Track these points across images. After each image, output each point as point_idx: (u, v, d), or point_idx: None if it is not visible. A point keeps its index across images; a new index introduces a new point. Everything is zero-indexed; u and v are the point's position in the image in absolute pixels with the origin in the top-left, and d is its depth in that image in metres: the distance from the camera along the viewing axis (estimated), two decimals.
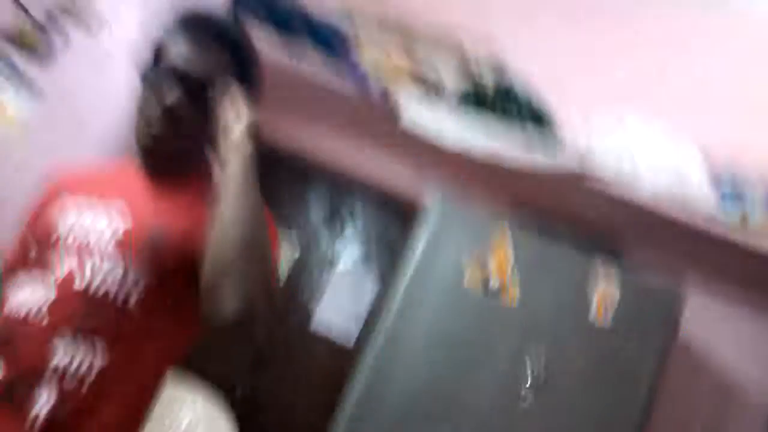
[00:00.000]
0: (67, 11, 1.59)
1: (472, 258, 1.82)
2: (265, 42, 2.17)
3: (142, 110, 1.00)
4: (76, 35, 1.65)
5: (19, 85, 1.71)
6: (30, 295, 0.91)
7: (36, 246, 0.97)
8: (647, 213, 1.94)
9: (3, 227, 1.23)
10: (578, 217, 2.16)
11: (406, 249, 1.88)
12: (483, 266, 1.81)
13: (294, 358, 2.35)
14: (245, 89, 1.00)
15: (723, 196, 2.07)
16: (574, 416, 1.66)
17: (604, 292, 1.76)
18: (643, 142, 2.03)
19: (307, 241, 2.54)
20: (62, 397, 0.86)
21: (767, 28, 2.12)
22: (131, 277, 0.91)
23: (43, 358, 0.86)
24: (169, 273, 0.92)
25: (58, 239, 0.95)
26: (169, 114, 0.97)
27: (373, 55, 2.06)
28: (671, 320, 1.73)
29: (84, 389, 0.86)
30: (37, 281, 0.93)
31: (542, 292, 1.78)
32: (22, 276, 0.96)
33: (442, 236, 1.86)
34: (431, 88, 2.08)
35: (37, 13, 1.63)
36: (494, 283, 1.79)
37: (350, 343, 2.36)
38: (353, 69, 2.06)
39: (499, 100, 2.04)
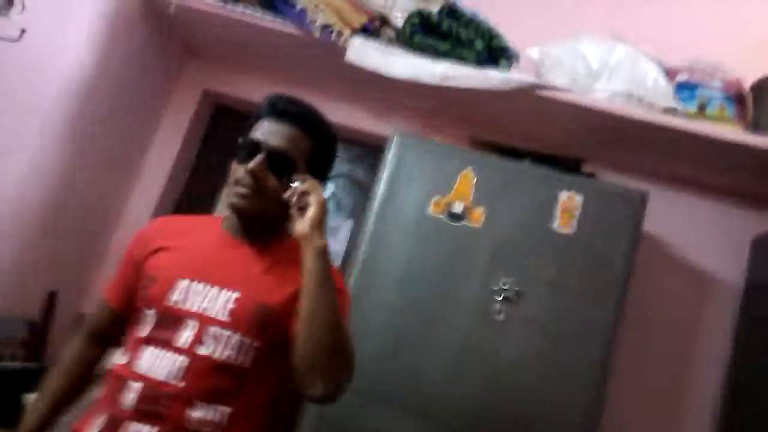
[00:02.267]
0: None
1: (435, 187, 1.85)
2: None
3: (231, 175, 1.17)
4: None
5: None
6: (159, 360, 1.08)
7: (154, 310, 1.13)
8: (606, 116, 1.93)
9: None
10: (537, 132, 2.17)
11: (373, 186, 1.90)
12: (446, 193, 1.84)
13: None
14: (318, 172, 1.18)
15: (679, 87, 2.06)
16: (549, 323, 1.72)
17: (567, 202, 1.80)
18: (595, 47, 2.01)
19: None
20: None
21: None
22: (246, 341, 1.10)
23: (185, 413, 1.06)
24: (272, 337, 1.12)
25: (176, 305, 1.11)
26: (253, 175, 1.13)
27: None
28: (634, 219, 1.77)
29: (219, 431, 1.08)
30: (160, 348, 1.09)
31: (506, 210, 1.81)
32: (141, 337, 1.13)
33: (404, 171, 1.88)
34: (383, 35, 2.03)
35: None
36: (458, 208, 1.83)
37: None
38: (290, 7, 2.00)
39: (455, 43, 1.98)
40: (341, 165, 2.57)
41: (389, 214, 1.86)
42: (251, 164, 1.13)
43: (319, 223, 1.08)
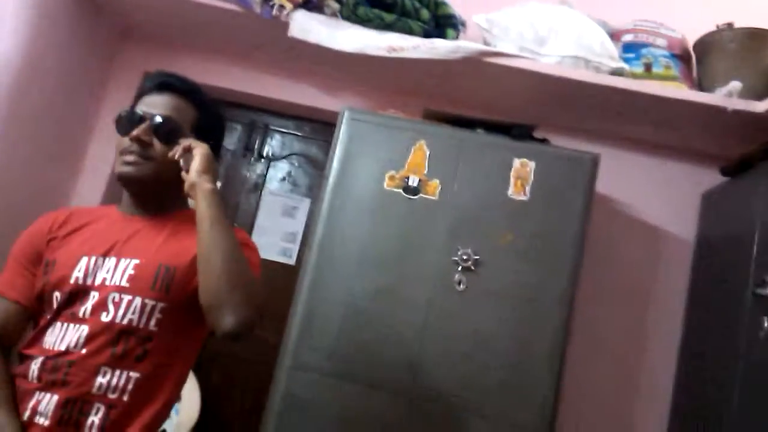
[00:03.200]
0: None
1: (389, 162, 1.83)
2: None
3: (117, 148, 1.19)
4: None
5: None
6: (64, 333, 1.10)
7: (58, 292, 1.13)
8: (554, 81, 1.93)
9: None
10: (489, 100, 2.16)
11: (326, 163, 1.87)
12: (400, 167, 1.82)
13: None
14: (206, 140, 1.19)
15: (625, 48, 2.08)
16: (509, 290, 1.74)
17: (520, 169, 1.80)
18: (541, 12, 2.00)
19: (228, 169, 2.51)
20: (109, 407, 1.07)
21: None
22: (148, 303, 1.12)
23: (89, 380, 1.07)
24: (179, 297, 1.13)
25: (77, 282, 1.13)
26: (137, 141, 1.16)
27: None
28: (587, 182, 1.78)
29: (126, 398, 1.09)
30: (65, 322, 1.11)
31: (462, 181, 1.81)
32: (48, 318, 1.13)
33: (357, 146, 1.85)
34: (328, 9, 1.97)
35: None
36: (413, 181, 1.81)
37: (292, 261, 2.40)
38: None
39: (401, 15, 1.94)
40: (295, 143, 2.53)
41: (344, 191, 1.83)
42: (135, 131, 1.16)
43: (206, 170, 1.13)
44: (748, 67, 1.94)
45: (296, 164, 2.52)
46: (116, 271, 1.13)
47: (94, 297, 1.11)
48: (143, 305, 1.12)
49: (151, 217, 1.23)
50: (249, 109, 2.53)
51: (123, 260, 1.15)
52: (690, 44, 2.11)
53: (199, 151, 1.15)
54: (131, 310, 1.11)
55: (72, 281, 1.13)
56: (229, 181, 2.49)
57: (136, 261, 1.14)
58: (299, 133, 2.53)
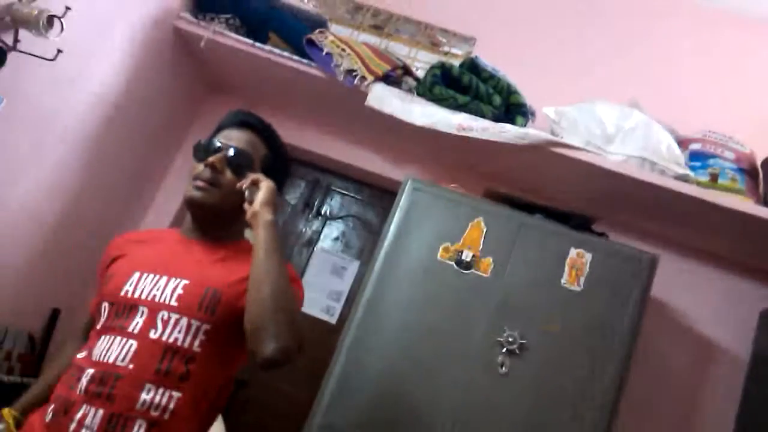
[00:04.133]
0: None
1: (445, 234, 1.85)
2: (231, 31, 2.18)
3: (190, 174, 1.26)
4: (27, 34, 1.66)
5: None
6: (111, 345, 1.12)
7: (108, 302, 1.18)
8: (618, 178, 1.96)
9: None
10: (551, 188, 2.20)
11: (383, 228, 1.91)
12: (456, 241, 1.84)
13: None
14: (272, 178, 1.25)
15: (692, 156, 2.09)
16: (552, 380, 1.70)
17: (576, 259, 1.80)
18: (611, 111, 2.05)
19: (285, 222, 2.58)
20: (151, 425, 1.08)
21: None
22: (194, 324, 1.14)
23: (135, 395, 1.08)
24: (224, 320, 1.15)
25: (126, 295, 1.17)
26: (211, 167, 1.22)
27: (339, 36, 2.07)
28: (643, 282, 1.76)
29: (167, 416, 1.09)
30: (114, 335, 1.13)
31: (515, 263, 1.81)
32: (98, 329, 1.17)
33: (415, 215, 1.89)
34: (398, 68, 2.09)
35: None
36: (467, 256, 1.83)
37: (334, 319, 2.41)
38: (317, 51, 2.07)
39: (474, 97, 2.04)
40: (353, 206, 2.60)
41: (398, 256, 1.86)
42: (211, 158, 1.23)
43: (269, 203, 1.19)
44: None
45: (351, 226, 2.58)
46: (166, 289, 1.16)
47: (143, 313, 1.14)
48: (189, 325, 1.14)
49: (208, 243, 1.27)
50: (315, 167, 2.63)
51: (173, 279, 1.17)
52: (758, 160, 2.11)
53: (266, 184, 1.21)
54: (178, 328, 1.13)
55: (122, 294, 1.17)
56: (285, 234, 2.57)
57: (185, 281, 1.17)
58: (358, 197, 2.61)
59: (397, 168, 2.42)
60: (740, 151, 2.10)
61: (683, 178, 1.96)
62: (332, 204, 2.62)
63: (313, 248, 2.55)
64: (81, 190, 2.12)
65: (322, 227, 2.58)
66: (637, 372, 1.92)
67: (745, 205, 1.91)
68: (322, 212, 2.60)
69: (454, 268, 1.82)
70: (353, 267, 2.51)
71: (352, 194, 2.62)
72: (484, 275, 1.81)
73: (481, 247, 1.84)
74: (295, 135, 2.50)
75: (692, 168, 2.04)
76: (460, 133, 1.96)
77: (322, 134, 2.49)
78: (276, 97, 2.47)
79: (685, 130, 2.18)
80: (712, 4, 2.42)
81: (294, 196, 2.63)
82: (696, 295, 2.17)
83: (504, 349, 1.73)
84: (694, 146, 2.11)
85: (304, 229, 2.58)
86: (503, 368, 1.72)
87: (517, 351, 1.73)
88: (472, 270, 1.82)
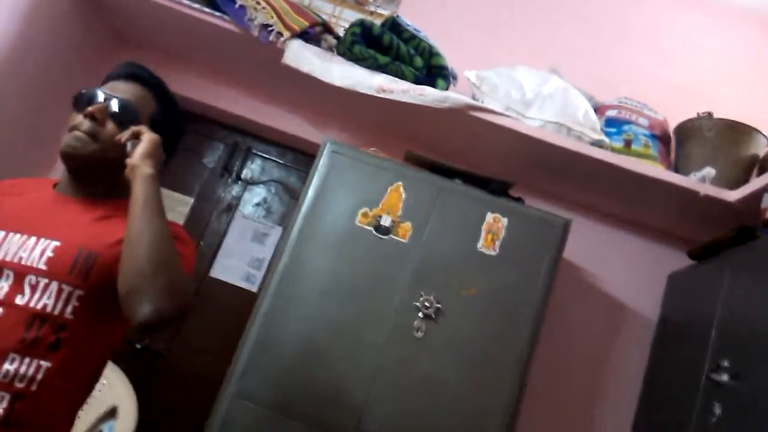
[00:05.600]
0: None
1: (364, 199, 1.82)
2: None
3: (73, 126, 1.14)
4: None
5: None
6: None
7: None
8: (536, 144, 1.96)
9: None
10: (470, 152, 2.19)
11: (301, 193, 1.86)
12: (375, 206, 1.81)
13: (197, 305, 2.32)
14: (161, 134, 1.16)
15: (608, 123, 2.12)
16: (466, 343, 1.71)
17: (492, 223, 1.80)
18: (530, 76, 2.04)
19: (204, 187, 2.48)
20: (15, 397, 1.00)
21: None
22: (66, 289, 1.05)
23: None
24: (99, 285, 1.06)
25: None
26: (91, 117, 1.12)
27: None
28: (556, 246, 1.79)
29: (34, 386, 1.01)
30: None
31: (433, 227, 1.80)
32: None
33: (334, 179, 1.85)
34: (317, 24, 2.00)
35: None
36: (386, 221, 1.80)
37: (255, 287, 2.35)
38: (230, 3, 1.95)
39: (394, 58, 1.98)
40: (274, 170, 2.52)
41: (315, 222, 1.82)
42: (91, 108, 1.13)
43: (150, 155, 1.10)
44: (724, 156, 1.99)
45: (273, 191, 2.50)
46: (34, 250, 1.06)
47: (8, 276, 1.04)
48: (59, 290, 1.05)
49: (87, 201, 1.16)
50: (233, 130, 2.53)
51: (43, 240, 1.07)
52: (671, 127, 2.17)
53: (148, 136, 1.12)
54: (47, 294, 1.04)
55: None
56: (204, 199, 2.46)
57: (56, 243, 1.07)
58: (280, 160, 2.53)
59: (319, 130, 2.35)
60: (654, 118, 2.15)
61: (598, 144, 1.99)
62: (252, 168, 2.53)
63: (233, 214, 2.46)
64: None
65: (243, 192, 2.49)
66: (549, 332, 1.96)
67: (656, 170, 1.96)
68: (242, 177, 2.51)
69: (373, 234, 1.80)
70: (275, 233, 2.44)
71: (273, 158, 2.53)
72: (402, 240, 1.79)
73: (400, 212, 1.81)
74: (211, 94, 2.39)
75: (607, 134, 2.07)
76: (379, 95, 1.91)
77: (240, 94, 2.38)
78: (189, 52, 2.34)
79: (603, 97, 2.21)
80: None
81: (212, 159, 2.52)
82: (607, 258, 2.24)
83: (420, 314, 1.73)
84: (610, 113, 2.14)
85: (223, 195, 2.48)
86: (419, 332, 1.72)
87: (432, 315, 1.73)
88: (391, 235, 1.80)
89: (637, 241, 2.26)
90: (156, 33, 2.29)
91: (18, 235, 1.08)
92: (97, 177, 1.17)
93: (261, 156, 2.54)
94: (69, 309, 1.05)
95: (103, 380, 1.91)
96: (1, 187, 1.22)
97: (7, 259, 1.06)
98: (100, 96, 1.16)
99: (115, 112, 1.15)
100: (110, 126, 1.14)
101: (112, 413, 1.91)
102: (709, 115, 2.04)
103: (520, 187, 2.00)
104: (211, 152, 2.52)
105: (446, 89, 2.03)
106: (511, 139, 1.98)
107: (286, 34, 1.94)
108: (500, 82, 2.02)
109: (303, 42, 1.97)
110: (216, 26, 2.01)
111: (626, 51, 2.40)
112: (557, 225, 1.80)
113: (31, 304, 1.03)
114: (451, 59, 2.09)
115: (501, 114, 1.96)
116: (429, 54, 2.02)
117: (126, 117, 1.15)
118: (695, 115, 2.07)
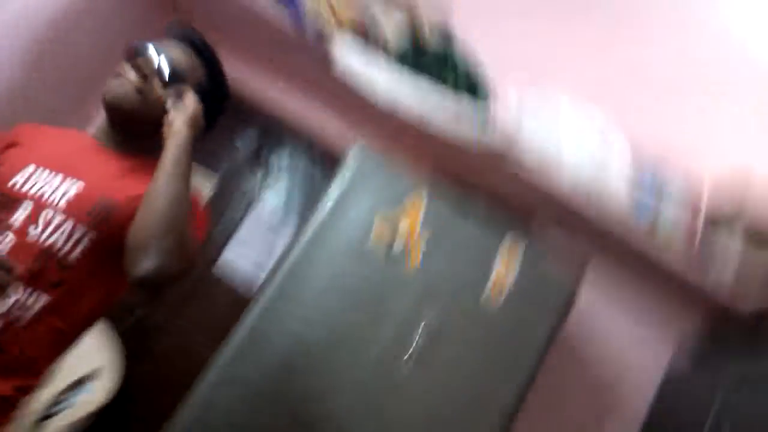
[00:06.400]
0: None
1: (383, 216, 1.78)
2: None
3: (118, 73, 1.14)
4: None
5: None
6: None
7: None
8: (563, 202, 1.94)
9: None
10: (495, 194, 2.16)
11: (322, 196, 1.81)
12: (392, 226, 1.78)
13: (193, 298, 2.31)
14: (206, 105, 1.17)
15: (638, 203, 2.08)
16: (447, 392, 1.68)
17: (502, 273, 1.77)
18: (571, 131, 2.02)
19: (228, 179, 2.46)
20: (6, 323, 1.01)
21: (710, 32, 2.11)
22: (78, 230, 1.05)
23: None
24: (112, 234, 1.06)
25: (14, 187, 1.07)
26: (137, 69, 1.12)
27: None
28: (560, 313, 1.75)
29: (27, 317, 1.02)
30: None
31: (444, 263, 1.76)
32: None
33: (357, 189, 1.80)
34: (371, 39, 1.99)
35: None
36: (399, 245, 1.77)
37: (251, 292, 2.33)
38: (292, 5, 1.96)
39: (438, 64, 1.97)
40: (301, 161, 2.49)
41: (331, 228, 1.77)
42: (140, 59, 1.13)
43: (190, 118, 1.10)
44: None
45: (296, 181, 2.48)
46: (59, 189, 1.08)
47: (27, 208, 1.05)
48: (72, 230, 1.05)
49: (117, 150, 1.17)
50: (267, 117, 2.47)
51: (69, 180, 1.09)
52: None
53: (192, 102, 1.13)
54: (60, 231, 1.05)
55: (9, 185, 1.08)
56: (226, 183, 2.45)
57: (81, 183, 1.09)
58: (308, 153, 2.49)
59: (352, 131, 2.31)
60: None
61: (625, 221, 1.95)
62: (282, 157, 2.51)
63: (254, 201, 2.46)
64: (28, 81, 2.01)
65: (266, 180, 2.48)
66: (533, 401, 1.90)
67: None
68: (269, 164, 2.49)
69: (383, 258, 1.75)
70: (292, 224, 2.43)
71: (299, 155, 2.50)
72: (411, 270, 1.75)
73: (414, 239, 1.78)
74: (253, 77, 2.36)
75: (636, 213, 2.02)
76: (420, 124, 1.91)
77: (284, 82, 2.36)
78: (239, 37, 2.31)
79: (643, 156, 2.11)
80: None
81: (242, 143, 2.51)
82: (610, 332, 2.18)
83: (409, 352, 1.70)
84: (644, 191, 2.08)
85: (245, 181, 2.48)
86: (404, 371, 1.68)
87: (420, 356, 1.69)
88: (401, 263, 1.75)
89: (644, 322, 2.20)
90: (212, 13, 2.27)
91: (47, 172, 1.09)
92: (134, 131, 1.17)
93: (290, 145, 2.51)
94: (78, 250, 1.05)
95: (93, 339, 1.94)
96: (38, 128, 1.24)
97: (31, 192, 1.07)
98: (151, 50, 1.14)
99: (161, 70, 1.13)
100: (155, 82, 1.13)
101: (95, 375, 1.94)
102: None
103: (539, 241, 1.97)
104: (241, 136, 2.50)
105: (486, 128, 2.00)
106: (539, 192, 1.97)
107: (335, 29, 1.93)
108: (540, 133, 1.99)
109: (355, 53, 1.96)
110: (268, 15, 2.00)
111: None
112: (566, 292, 1.77)
113: (42, 239, 1.04)
114: (498, 86, 2.03)
115: (533, 168, 1.94)
116: (476, 87, 2.01)
117: (173, 77, 1.14)
118: None
